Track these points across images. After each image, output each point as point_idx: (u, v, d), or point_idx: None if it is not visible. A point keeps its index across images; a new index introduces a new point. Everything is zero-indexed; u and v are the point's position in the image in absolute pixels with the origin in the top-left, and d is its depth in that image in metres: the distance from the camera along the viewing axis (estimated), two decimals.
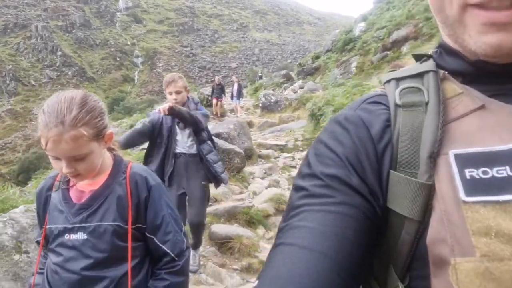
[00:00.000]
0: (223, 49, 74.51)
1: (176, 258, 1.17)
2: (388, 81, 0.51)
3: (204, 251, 3.33)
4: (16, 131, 44.39)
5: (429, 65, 0.49)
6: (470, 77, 0.47)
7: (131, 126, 15.46)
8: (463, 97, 0.45)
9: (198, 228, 2.97)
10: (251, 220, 3.98)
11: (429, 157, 0.42)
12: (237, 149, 5.51)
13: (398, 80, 0.49)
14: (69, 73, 59.85)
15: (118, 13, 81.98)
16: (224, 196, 4.53)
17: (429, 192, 0.41)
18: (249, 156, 6.38)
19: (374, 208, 0.44)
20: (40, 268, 1.24)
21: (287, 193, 4.94)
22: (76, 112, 1.01)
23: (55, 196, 1.17)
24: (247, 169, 5.88)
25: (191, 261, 2.88)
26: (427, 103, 0.45)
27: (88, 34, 70.28)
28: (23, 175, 26.13)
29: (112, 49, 69.69)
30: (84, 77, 60.56)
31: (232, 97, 13.50)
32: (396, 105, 0.46)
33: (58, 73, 59.35)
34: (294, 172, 6.25)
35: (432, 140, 0.42)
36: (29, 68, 59.24)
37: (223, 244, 3.44)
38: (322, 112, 7.51)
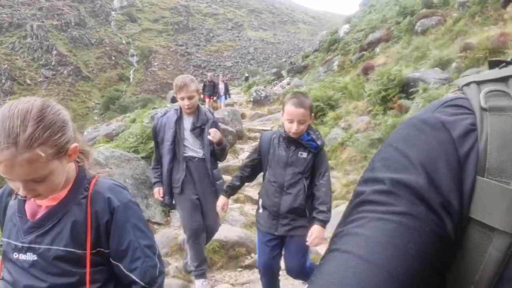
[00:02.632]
0: (218, 48, 75.54)
1: (147, 286, 1.06)
2: (467, 84, 0.47)
3: None
4: None
5: (511, 70, 0.46)
6: None
7: (134, 121, 16.81)
8: None
9: (211, 235, 2.98)
10: None
11: None
12: (230, 129, 7.13)
13: (479, 83, 0.46)
14: (65, 72, 60.38)
15: (113, 12, 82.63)
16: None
17: None
18: (240, 137, 8.00)
19: (443, 221, 0.40)
20: None
21: None
22: (31, 130, 0.86)
23: (12, 206, 1.06)
24: (238, 146, 7.49)
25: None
26: None
27: (83, 33, 70.88)
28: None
29: (107, 48, 70.33)
30: (79, 76, 61.15)
31: (218, 96, 13.43)
32: (482, 109, 0.42)
33: (54, 72, 59.92)
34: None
35: None
36: (24, 67, 59.84)
37: None
38: None
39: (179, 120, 2.79)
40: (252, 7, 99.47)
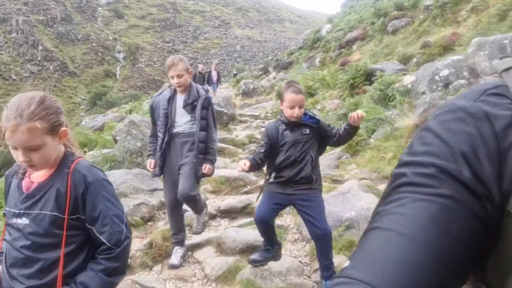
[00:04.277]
0: (205, 45, 76.10)
1: (113, 247, 1.29)
2: (506, 70, 0.45)
3: None
4: None
5: None
6: None
7: (130, 111, 17.85)
8: None
9: (187, 201, 2.92)
10: (234, 144, 6.93)
11: None
12: (225, 111, 8.48)
13: None
14: (51, 67, 59.92)
15: (99, 8, 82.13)
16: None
17: None
18: (232, 119, 9.35)
19: (485, 208, 0.40)
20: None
21: (257, 135, 7.91)
22: (33, 108, 1.17)
23: (14, 183, 1.34)
24: (231, 126, 8.84)
25: (194, 224, 3.08)
26: None
27: (70, 29, 70.38)
28: (5, 169, 27.66)
29: (93, 44, 69.98)
30: (65, 72, 60.73)
31: (210, 83, 13.51)
32: None
33: (40, 68, 59.50)
34: (264, 128, 9.22)
35: None
36: (10, 62, 59.21)
37: (218, 152, 6.35)
38: None
39: (172, 98, 2.91)
40: (239, 5, 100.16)
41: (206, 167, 2.85)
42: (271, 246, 2.69)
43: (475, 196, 0.40)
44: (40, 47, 62.04)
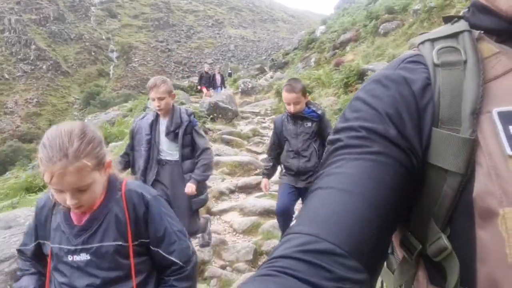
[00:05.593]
0: (199, 45, 76.40)
1: (184, 265, 1.21)
2: (422, 43, 0.52)
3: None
4: None
5: (461, 25, 0.50)
6: (506, 35, 0.47)
7: (131, 110, 18.37)
8: (500, 56, 0.46)
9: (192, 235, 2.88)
10: (240, 137, 7.68)
11: (472, 113, 0.43)
12: (229, 107, 9.24)
13: (433, 41, 0.50)
14: (44, 67, 59.77)
15: (92, 7, 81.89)
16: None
17: (472, 147, 0.42)
18: (236, 115, 10.12)
19: (411, 160, 0.45)
20: (24, 270, 1.27)
21: (259, 129, 8.66)
22: (77, 144, 1.03)
23: (58, 216, 1.19)
24: (235, 121, 9.62)
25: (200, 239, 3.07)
26: (465, 62, 0.45)
27: (63, 28, 70.15)
28: (2, 169, 27.75)
29: (87, 44, 69.86)
30: (59, 71, 60.61)
31: (214, 87, 13.74)
32: (435, 65, 0.47)
33: (33, 67, 59.35)
34: (264, 124, 9.98)
35: (474, 98, 0.43)
36: (2, 61, 58.94)
37: (227, 143, 7.12)
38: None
39: (154, 123, 2.75)
40: (232, 4, 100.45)
41: (188, 188, 2.69)
42: None
43: (401, 150, 0.45)
44: (33, 46, 61.81)
